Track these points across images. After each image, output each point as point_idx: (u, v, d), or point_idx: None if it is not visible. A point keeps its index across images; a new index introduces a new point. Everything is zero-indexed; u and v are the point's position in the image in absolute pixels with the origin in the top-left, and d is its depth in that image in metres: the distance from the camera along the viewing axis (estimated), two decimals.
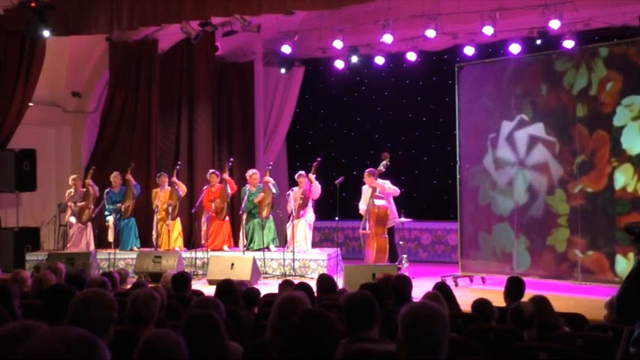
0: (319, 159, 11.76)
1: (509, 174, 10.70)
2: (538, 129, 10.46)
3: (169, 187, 12.23)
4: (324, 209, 12.65)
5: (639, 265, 3.00)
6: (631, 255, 9.38)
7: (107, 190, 12.25)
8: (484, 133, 11.03)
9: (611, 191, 9.68)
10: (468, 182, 11.15)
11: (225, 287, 5.59)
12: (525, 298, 5.30)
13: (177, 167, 12.49)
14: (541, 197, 10.40)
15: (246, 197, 11.84)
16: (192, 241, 12.19)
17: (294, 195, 11.74)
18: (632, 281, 2.99)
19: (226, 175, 12.25)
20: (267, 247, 11.86)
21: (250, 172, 12.24)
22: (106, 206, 12.19)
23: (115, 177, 12.25)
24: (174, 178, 12.23)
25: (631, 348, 3.07)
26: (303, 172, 11.83)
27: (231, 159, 12.88)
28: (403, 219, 10.80)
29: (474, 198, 11.09)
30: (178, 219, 12.30)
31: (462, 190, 11.19)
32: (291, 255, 11.25)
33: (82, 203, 12.04)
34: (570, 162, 10.09)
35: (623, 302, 3.03)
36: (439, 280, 8.79)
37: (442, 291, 5.54)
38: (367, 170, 10.83)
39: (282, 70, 13.77)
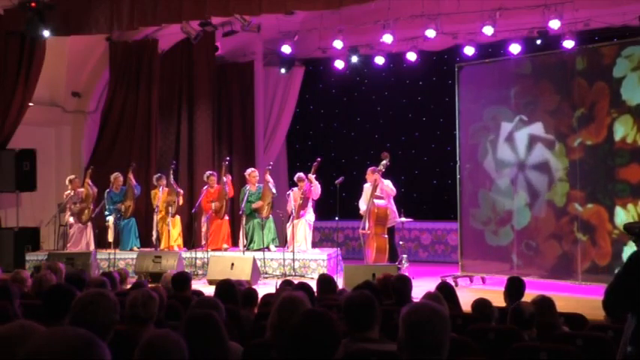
0: (319, 159, 11.76)
1: (510, 176, 10.73)
2: (537, 128, 10.49)
3: (168, 188, 12.22)
4: (324, 209, 12.65)
5: (629, 262, 3.02)
6: (630, 206, 9.44)
7: (107, 190, 12.25)
8: (484, 133, 11.04)
9: (611, 143, 9.70)
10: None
11: (225, 287, 5.59)
12: (526, 298, 5.30)
13: (172, 167, 12.49)
14: (542, 195, 10.42)
15: (245, 197, 11.84)
16: (192, 241, 12.19)
17: (294, 195, 11.75)
18: (621, 276, 3.01)
19: (227, 176, 12.24)
20: (267, 247, 11.86)
21: (249, 170, 12.25)
22: (107, 206, 12.19)
23: (115, 177, 12.26)
24: (171, 180, 12.24)
25: (628, 347, 3.08)
26: (302, 175, 11.82)
27: (227, 158, 12.86)
28: (403, 219, 10.79)
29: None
30: (178, 216, 12.30)
31: (462, 189, 11.20)
32: (291, 255, 11.25)
33: (83, 204, 12.04)
34: (569, 115, 10.10)
35: (611, 298, 3.05)
36: (439, 280, 8.80)
37: (445, 291, 5.53)
38: (370, 168, 10.85)
39: (282, 70, 13.75)
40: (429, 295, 4.67)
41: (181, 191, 12.33)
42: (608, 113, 9.75)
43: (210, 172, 12.44)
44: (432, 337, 2.49)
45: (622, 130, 9.60)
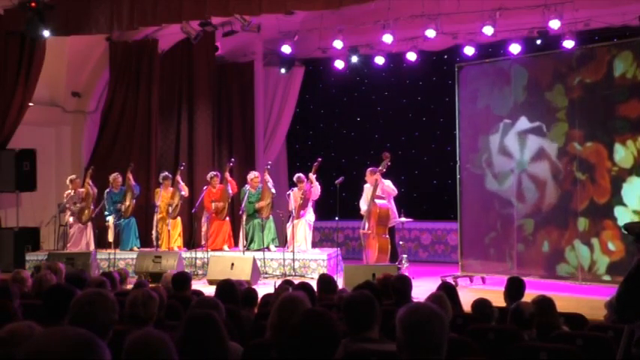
0: (320, 159, 11.75)
1: (511, 175, 10.75)
2: (522, 124, 10.55)
3: (172, 188, 12.23)
4: (324, 209, 12.65)
5: (639, 264, 3.00)
6: (630, 142, 9.46)
7: (107, 190, 12.25)
8: (484, 133, 11.05)
9: (610, 79, 9.73)
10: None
11: (225, 287, 5.59)
12: (526, 298, 5.30)
13: (181, 168, 12.48)
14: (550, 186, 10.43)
15: (246, 198, 11.84)
16: (192, 241, 12.19)
17: (294, 195, 11.75)
18: (631, 281, 2.99)
19: (227, 175, 12.25)
20: (267, 247, 11.86)
21: (252, 174, 12.23)
22: (107, 206, 12.19)
23: (115, 178, 12.25)
24: (178, 178, 12.23)
25: (633, 349, 3.07)
26: (302, 176, 11.81)
27: (233, 159, 12.87)
28: (403, 219, 10.79)
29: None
30: (179, 218, 12.30)
31: (462, 189, 11.20)
32: (291, 255, 11.25)
33: (83, 204, 12.04)
34: (569, 54, 10.16)
35: (623, 302, 3.03)
36: (439, 280, 8.80)
37: (446, 291, 5.52)
38: (369, 169, 10.85)
39: (282, 70, 13.75)
40: (433, 297, 4.65)
41: (185, 194, 12.32)
42: (607, 50, 9.80)
43: (215, 173, 12.42)
44: (429, 338, 2.49)
45: (622, 66, 9.64)
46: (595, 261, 9.82)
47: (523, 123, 10.62)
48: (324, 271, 10.64)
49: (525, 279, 6.25)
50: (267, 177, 12.05)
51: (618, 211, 9.55)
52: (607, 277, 9.67)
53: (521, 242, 10.57)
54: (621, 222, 9.42)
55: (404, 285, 5.56)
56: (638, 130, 9.45)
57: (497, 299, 5.85)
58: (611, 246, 9.65)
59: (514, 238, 10.66)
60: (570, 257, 10.07)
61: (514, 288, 5.83)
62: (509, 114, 10.77)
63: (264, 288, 9.00)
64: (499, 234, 10.88)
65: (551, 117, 10.33)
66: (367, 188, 10.92)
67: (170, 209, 11.99)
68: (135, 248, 12.18)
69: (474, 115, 11.19)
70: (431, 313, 2.54)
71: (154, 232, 12.14)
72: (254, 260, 10.70)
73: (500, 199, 10.87)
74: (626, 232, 3.37)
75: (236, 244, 12.46)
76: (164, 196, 12.10)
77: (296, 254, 11.28)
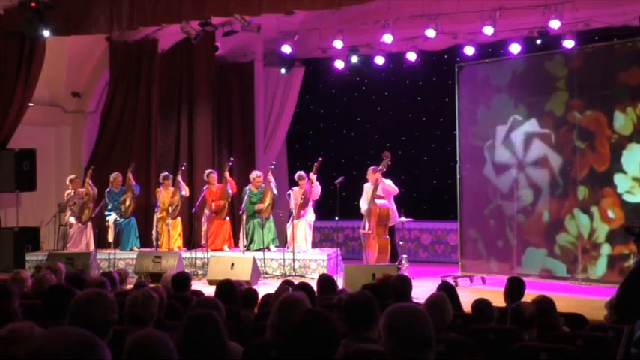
0: (320, 159, 11.75)
1: (510, 175, 10.74)
2: (532, 125, 10.54)
3: (173, 188, 12.23)
4: (324, 209, 12.64)
5: (639, 265, 3.00)
6: (629, 110, 9.47)
7: (108, 189, 12.25)
8: (484, 133, 11.05)
9: (611, 47, 9.78)
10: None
11: (225, 287, 5.59)
12: (526, 298, 5.30)
13: (182, 169, 12.48)
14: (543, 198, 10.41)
15: (246, 197, 11.84)
16: (192, 241, 12.19)
17: (295, 195, 11.75)
18: (632, 281, 3.00)
19: (227, 175, 12.25)
20: (267, 247, 11.86)
21: (254, 174, 12.22)
22: (107, 205, 12.20)
23: (115, 177, 12.25)
24: (179, 178, 12.23)
25: (632, 349, 3.07)
26: (303, 173, 11.82)
27: (232, 159, 12.88)
28: (403, 219, 10.79)
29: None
30: (179, 218, 12.30)
31: (462, 189, 11.20)
32: (291, 255, 11.25)
33: (83, 204, 12.04)
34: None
35: (623, 302, 3.03)
36: (439, 280, 8.80)
37: (446, 291, 5.52)
38: (371, 168, 10.84)
39: (282, 70, 13.74)
40: (433, 297, 4.65)
41: (186, 194, 12.32)
42: (608, 50, 9.90)
43: (210, 170, 12.43)
44: (412, 338, 2.47)
45: None
46: (595, 229, 9.82)
47: (521, 94, 10.61)
48: (324, 271, 10.64)
49: (525, 279, 6.26)
50: (270, 177, 12.04)
51: (618, 178, 9.57)
52: (606, 257, 9.64)
53: (521, 213, 10.57)
54: (621, 189, 9.50)
55: (404, 285, 5.56)
56: (637, 97, 9.46)
57: (497, 299, 5.85)
58: (610, 214, 9.66)
59: (514, 209, 10.66)
60: (570, 226, 10.07)
61: (514, 288, 5.83)
62: (508, 85, 10.76)
63: (264, 288, 8.99)
64: (499, 205, 10.86)
65: (550, 86, 10.33)
66: (367, 187, 10.92)
67: (170, 209, 11.99)
68: (135, 248, 12.18)
69: (474, 114, 11.20)
70: (412, 313, 2.51)
71: (153, 232, 12.14)
72: (254, 260, 10.70)
73: (499, 168, 10.86)
74: (626, 233, 3.37)
75: (236, 244, 12.46)
76: (164, 196, 12.10)
77: (296, 254, 11.28)
